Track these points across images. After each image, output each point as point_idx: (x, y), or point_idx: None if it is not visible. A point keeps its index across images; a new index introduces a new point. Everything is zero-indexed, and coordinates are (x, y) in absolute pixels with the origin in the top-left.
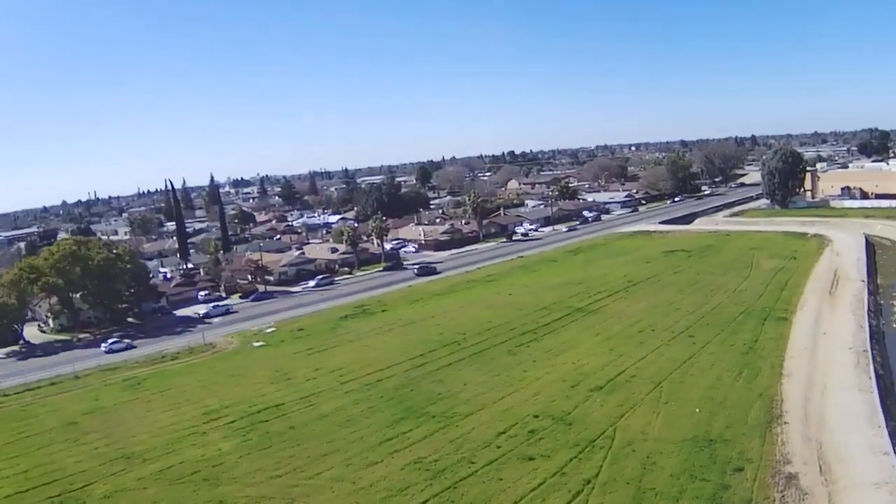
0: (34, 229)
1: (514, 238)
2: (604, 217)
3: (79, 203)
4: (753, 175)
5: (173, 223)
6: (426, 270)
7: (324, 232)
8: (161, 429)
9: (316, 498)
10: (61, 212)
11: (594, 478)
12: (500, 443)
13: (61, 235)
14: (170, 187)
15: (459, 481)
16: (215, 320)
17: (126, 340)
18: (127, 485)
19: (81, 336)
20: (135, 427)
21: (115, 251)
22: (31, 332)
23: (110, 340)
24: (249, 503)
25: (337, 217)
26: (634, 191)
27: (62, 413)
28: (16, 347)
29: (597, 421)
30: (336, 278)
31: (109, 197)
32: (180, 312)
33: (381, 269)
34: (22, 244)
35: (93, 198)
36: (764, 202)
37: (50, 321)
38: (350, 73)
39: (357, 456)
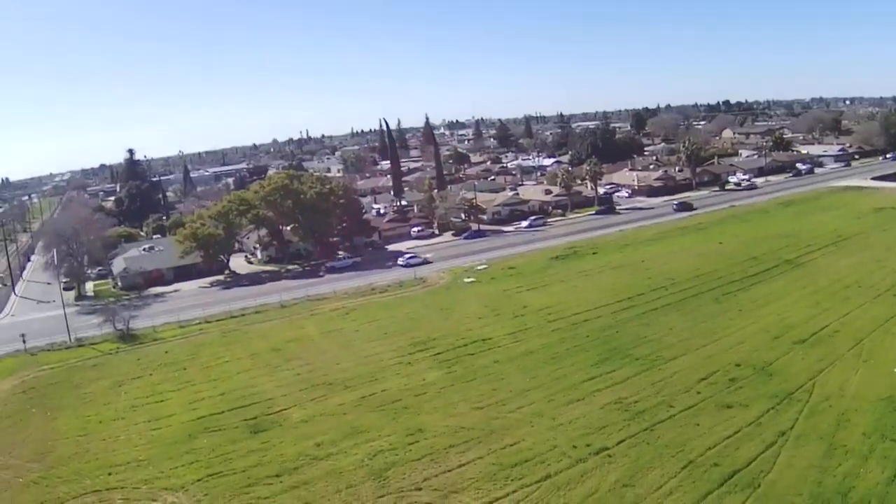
0: (243, 166)
1: (726, 187)
2: (817, 170)
3: (290, 141)
4: None
5: (387, 162)
6: (684, 207)
7: (538, 174)
8: (366, 358)
9: (515, 431)
10: (272, 150)
11: (788, 430)
12: (699, 389)
13: (271, 172)
14: (384, 127)
15: (657, 424)
16: (428, 255)
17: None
18: (326, 410)
19: (290, 268)
20: (339, 355)
21: (328, 185)
22: (238, 263)
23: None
24: (449, 432)
25: (551, 160)
26: (847, 145)
27: (265, 340)
28: (221, 277)
29: (796, 374)
30: (549, 220)
31: (322, 136)
32: (392, 247)
33: (593, 212)
34: (230, 180)
35: (304, 136)
36: None
37: (258, 253)
38: (569, 19)
39: (559, 393)
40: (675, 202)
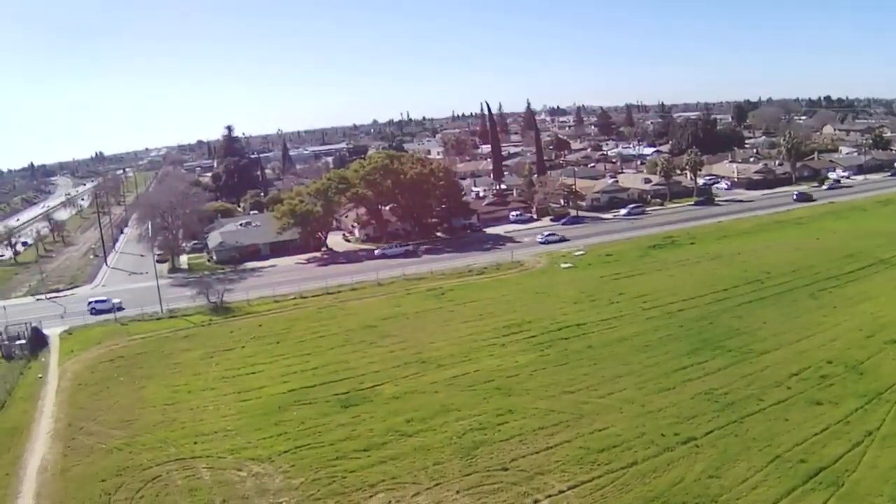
0: (343, 145)
1: (825, 183)
2: None
3: (390, 122)
4: None
5: (487, 145)
6: (804, 197)
7: (638, 163)
8: (460, 337)
9: (605, 416)
10: (371, 130)
11: (876, 430)
12: (790, 384)
13: (371, 152)
14: (486, 111)
15: (746, 416)
16: (525, 239)
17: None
18: (418, 387)
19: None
20: (433, 334)
21: (428, 166)
22: (335, 241)
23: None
24: (539, 415)
25: (651, 149)
26: None
27: (360, 316)
28: (318, 254)
29: (888, 373)
30: (647, 208)
31: (423, 118)
32: (490, 230)
33: (692, 202)
34: (330, 159)
35: (405, 118)
36: None
37: (356, 231)
38: (673, 13)
39: (650, 381)
40: (796, 193)
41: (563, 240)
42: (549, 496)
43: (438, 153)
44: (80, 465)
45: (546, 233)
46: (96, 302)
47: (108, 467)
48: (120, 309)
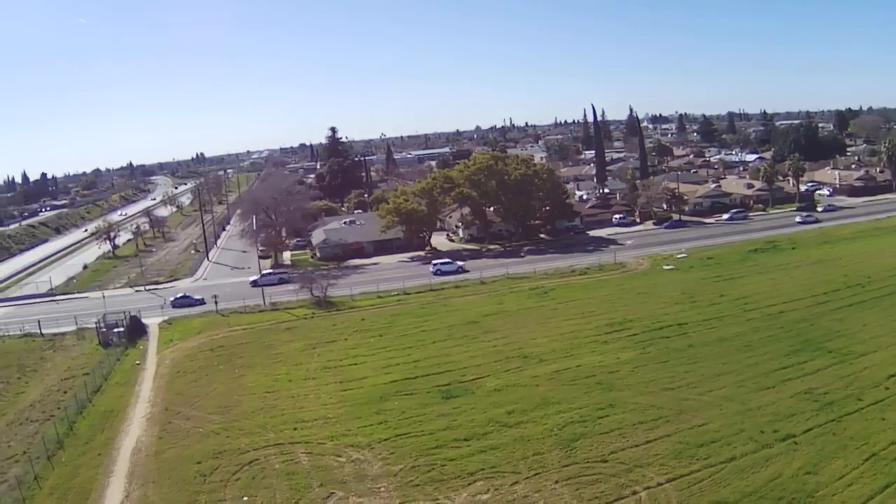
0: (446, 150)
1: None
2: None
3: (493, 129)
4: None
5: (590, 151)
6: None
7: (740, 169)
8: (561, 335)
9: (704, 413)
10: (475, 136)
11: None
12: (889, 384)
13: (476, 153)
14: (592, 114)
15: (844, 415)
16: (628, 242)
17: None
18: (519, 381)
19: (491, 247)
20: (535, 331)
21: (532, 168)
22: (439, 241)
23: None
24: (639, 410)
25: (754, 156)
26: None
27: (463, 313)
28: (421, 253)
29: None
30: (750, 213)
31: (526, 124)
32: (593, 233)
33: (794, 208)
34: (433, 162)
35: (508, 124)
36: None
37: (459, 231)
38: (775, 20)
39: (750, 380)
40: None
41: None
42: (648, 488)
43: (542, 158)
44: (175, 447)
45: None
46: (180, 297)
47: (204, 450)
48: (202, 303)
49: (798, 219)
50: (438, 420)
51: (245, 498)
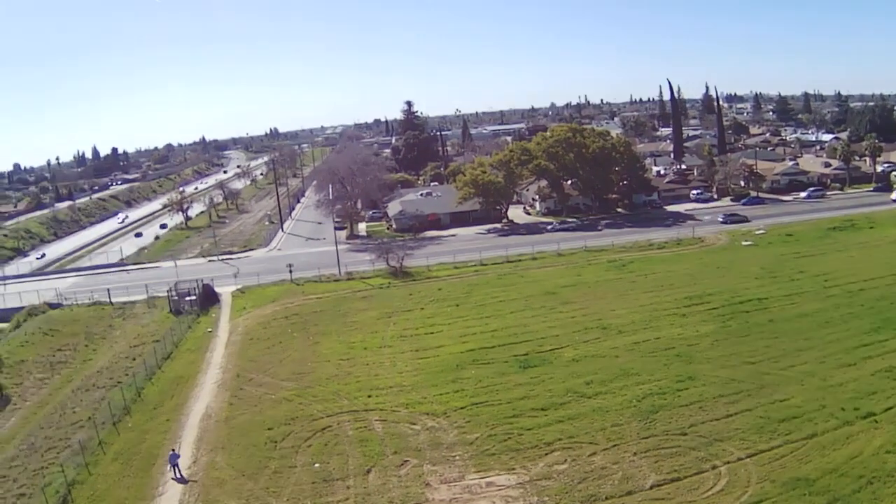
0: (521, 125)
1: None
2: None
3: (568, 105)
4: None
5: (666, 128)
6: None
7: (816, 148)
8: (641, 306)
9: (785, 388)
10: (550, 112)
11: None
12: None
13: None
14: (668, 90)
15: None
16: (706, 218)
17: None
18: (598, 352)
19: (568, 220)
20: (613, 302)
21: (610, 141)
22: (515, 214)
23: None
24: (719, 383)
25: (830, 136)
26: None
27: (540, 284)
28: (498, 225)
29: None
30: (827, 192)
31: (601, 101)
32: (670, 208)
33: (870, 188)
34: (508, 137)
35: (583, 101)
36: None
37: (536, 204)
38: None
39: (831, 356)
40: None
41: (743, 220)
42: (728, 462)
43: (617, 134)
44: (247, 413)
45: (727, 212)
46: None
47: (276, 416)
48: None
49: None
50: (516, 389)
51: (316, 464)
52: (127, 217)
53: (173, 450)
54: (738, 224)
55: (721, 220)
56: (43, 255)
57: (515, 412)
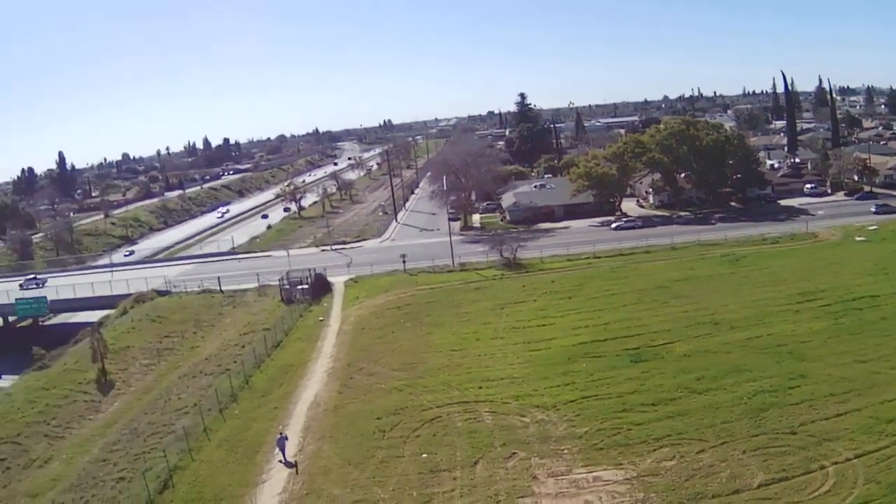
0: (634, 118)
1: None
2: None
3: (681, 98)
4: None
5: (780, 121)
6: None
7: None
8: (752, 302)
9: (895, 388)
10: (662, 105)
11: None
12: None
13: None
14: (780, 86)
15: None
16: (819, 212)
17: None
18: (709, 347)
19: (681, 214)
20: (726, 297)
21: (724, 134)
22: (629, 207)
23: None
24: (830, 381)
25: None
26: None
27: (652, 278)
28: (611, 218)
29: None
30: None
31: (714, 94)
32: (784, 202)
33: None
34: (622, 130)
35: (696, 94)
36: None
37: (649, 197)
38: None
39: None
40: None
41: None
42: (836, 463)
43: (730, 128)
44: (356, 402)
45: (878, 203)
46: None
47: (386, 406)
48: None
49: None
50: (626, 383)
51: (424, 455)
52: (228, 211)
53: (281, 433)
54: (851, 218)
55: (874, 210)
56: (131, 253)
57: (625, 406)
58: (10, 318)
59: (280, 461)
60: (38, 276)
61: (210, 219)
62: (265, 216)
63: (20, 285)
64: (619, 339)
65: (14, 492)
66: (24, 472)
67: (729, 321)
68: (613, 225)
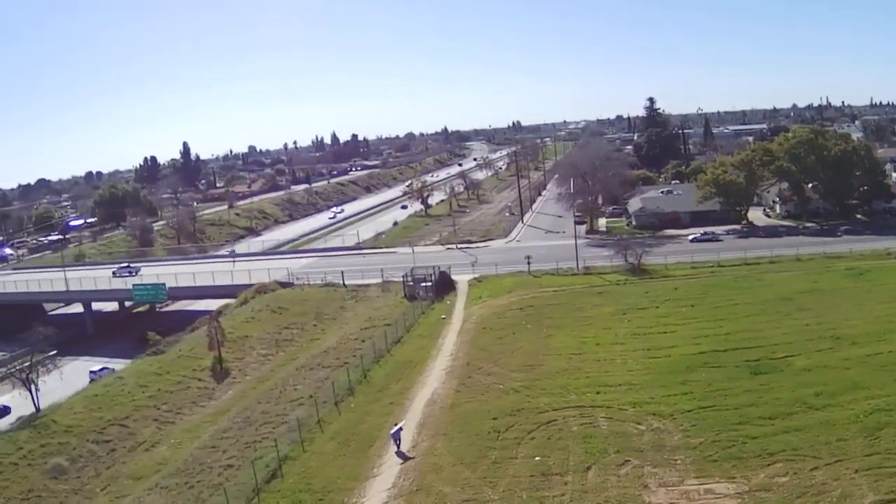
0: (762, 126)
1: None
2: None
3: (809, 107)
4: None
5: None
6: None
7: None
8: (876, 317)
9: None
10: (791, 114)
11: None
12: None
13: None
14: None
15: None
16: None
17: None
18: (829, 362)
19: (808, 224)
20: (848, 311)
21: (852, 145)
22: (755, 216)
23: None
24: None
25: None
26: None
27: (777, 288)
28: (737, 227)
29: None
30: None
31: (842, 103)
32: None
33: None
34: (750, 138)
35: (824, 103)
36: None
37: (776, 207)
38: None
39: None
40: None
41: None
42: None
43: (857, 139)
44: (472, 402)
45: None
46: None
47: (503, 406)
48: None
49: None
50: (744, 395)
51: (537, 458)
52: (343, 211)
53: (397, 423)
54: None
55: None
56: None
57: (742, 419)
58: (127, 304)
59: (395, 452)
60: (132, 265)
61: (327, 217)
62: (405, 206)
63: (113, 273)
64: (740, 350)
65: (117, 473)
66: (130, 454)
67: (850, 336)
68: (690, 237)
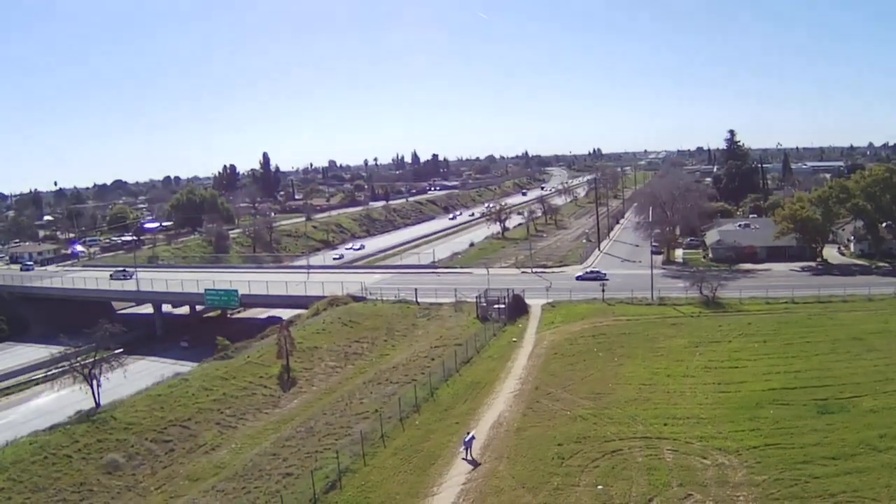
0: (839, 163)
1: None
2: None
3: (886, 146)
4: None
5: None
6: None
7: None
8: None
9: None
10: (868, 152)
11: None
12: None
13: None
14: None
15: None
16: None
17: None
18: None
19: (881, 264)
20: None
21: None
22: (830, 254)
23: None
24: None
25: None
26: None
27: (848, 328)
28: (812, 263)
29: None
30: None
31: None
32: None
33: None
34: (827, 175)
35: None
36: None
37: (851, 245)
38: None
39: None
40: None
41: None
42: None
43: None
44: (539, 426)
45: None
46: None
47: (569, 433)
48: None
49: None
50: (810, 434)
51: (600, 487)
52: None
53: (469, 432)
54: None
55: None
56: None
57: (806, 458)
58: (198, 308)
59: (463, 458)
60: (127, 269)
61: (417, 230)
62: (472, 215)
63: (111, 276)
64: (809, 389)
65: (174, 473)
66: (188, 455)
67: None
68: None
